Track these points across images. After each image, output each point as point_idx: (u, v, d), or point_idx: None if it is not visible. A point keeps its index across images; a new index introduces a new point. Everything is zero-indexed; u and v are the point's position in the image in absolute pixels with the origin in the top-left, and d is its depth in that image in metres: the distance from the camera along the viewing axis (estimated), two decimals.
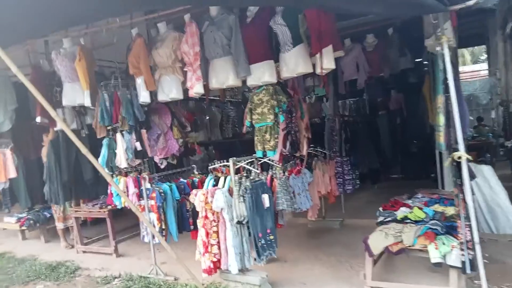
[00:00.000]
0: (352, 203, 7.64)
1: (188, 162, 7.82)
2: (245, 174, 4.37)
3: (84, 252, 6.39)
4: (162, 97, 4.93)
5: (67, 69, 5.26)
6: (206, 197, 4.21)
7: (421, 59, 7.59)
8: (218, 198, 4.11)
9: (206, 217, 4.26)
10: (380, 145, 9.40)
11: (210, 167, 4.72)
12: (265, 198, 4.25)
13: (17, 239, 7.48)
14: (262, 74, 4.30)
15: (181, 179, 5.40)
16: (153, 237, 5.04)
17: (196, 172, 5.72)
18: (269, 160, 4.77)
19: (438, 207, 4.66)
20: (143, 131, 5.23)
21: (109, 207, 5.95)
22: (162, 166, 5.86)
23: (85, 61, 4.99)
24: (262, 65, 4.27)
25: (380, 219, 4.67)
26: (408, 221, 4.28)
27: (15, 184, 6.99)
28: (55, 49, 5.40)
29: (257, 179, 4.34)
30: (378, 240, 4.03)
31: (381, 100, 10.21)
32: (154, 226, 4.85)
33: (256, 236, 4.13)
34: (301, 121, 4.86)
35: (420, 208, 4.48)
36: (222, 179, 4.39)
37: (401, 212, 4.57)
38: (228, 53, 4.38)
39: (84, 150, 3.32)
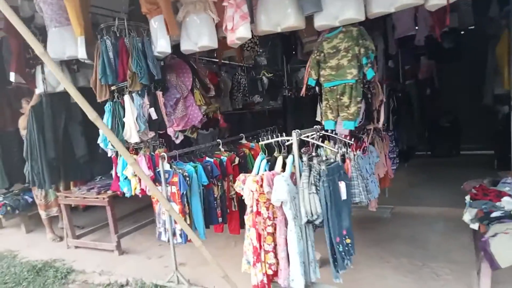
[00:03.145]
0: (392, 186, 6.49)
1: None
2: (314, 154, 3.11)
3: (76, 247, 5.11)
4: (187, 46, 3.58)
5: (53, 7, 3.88)
6: (260, 186, 2.96)
7: None
8: (279, 188, 2.84)
9: (258, 213, 3.02)
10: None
11: (262, 142, 3.34)
12: (342, 187, 3.01)
13: None
14: (340, 9, 2.97)
15: (207, 158, 4.11)
16: (174, 235, 3.81)
17: (222, 149, 4.43)
18: (335, 134, 3.51)
19: None
20: (159, 93, 3.88)
21: (110, 192, 4.68)
22: (178, 141, 4.59)
23: None
24: None
25: (472, 212, 3.50)
26: None
27: None
28: None
29: (332, 160, 3.09)
30: (508, 247, 2.88)
31: (408, 68, 9.05)
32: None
33: (334, 240, 2.91)
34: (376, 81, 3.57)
35: None
36: (279, 160, 3.10)
37: (508, 204, 3.44)
38: None
39: (92, 115, 2.03)
